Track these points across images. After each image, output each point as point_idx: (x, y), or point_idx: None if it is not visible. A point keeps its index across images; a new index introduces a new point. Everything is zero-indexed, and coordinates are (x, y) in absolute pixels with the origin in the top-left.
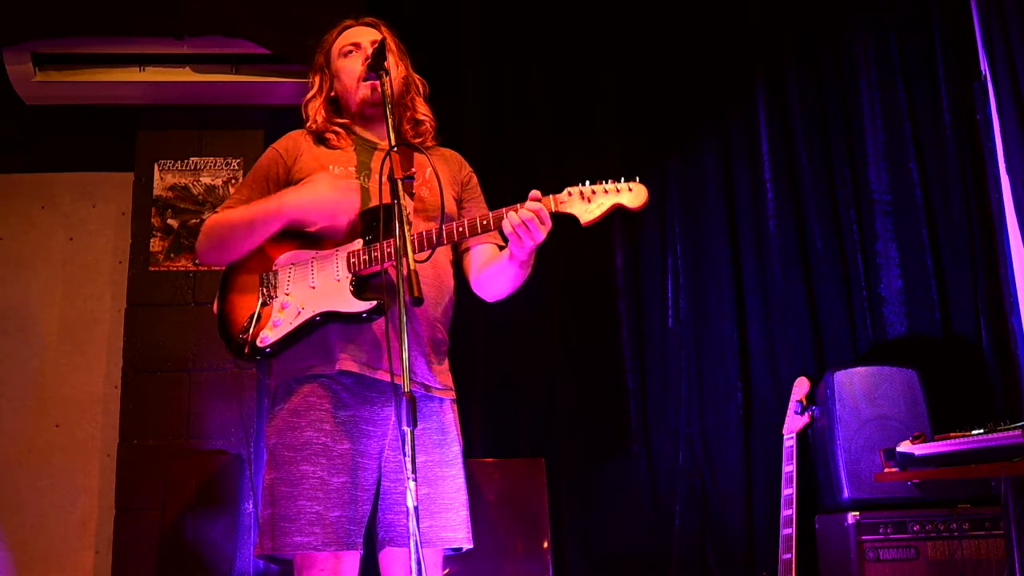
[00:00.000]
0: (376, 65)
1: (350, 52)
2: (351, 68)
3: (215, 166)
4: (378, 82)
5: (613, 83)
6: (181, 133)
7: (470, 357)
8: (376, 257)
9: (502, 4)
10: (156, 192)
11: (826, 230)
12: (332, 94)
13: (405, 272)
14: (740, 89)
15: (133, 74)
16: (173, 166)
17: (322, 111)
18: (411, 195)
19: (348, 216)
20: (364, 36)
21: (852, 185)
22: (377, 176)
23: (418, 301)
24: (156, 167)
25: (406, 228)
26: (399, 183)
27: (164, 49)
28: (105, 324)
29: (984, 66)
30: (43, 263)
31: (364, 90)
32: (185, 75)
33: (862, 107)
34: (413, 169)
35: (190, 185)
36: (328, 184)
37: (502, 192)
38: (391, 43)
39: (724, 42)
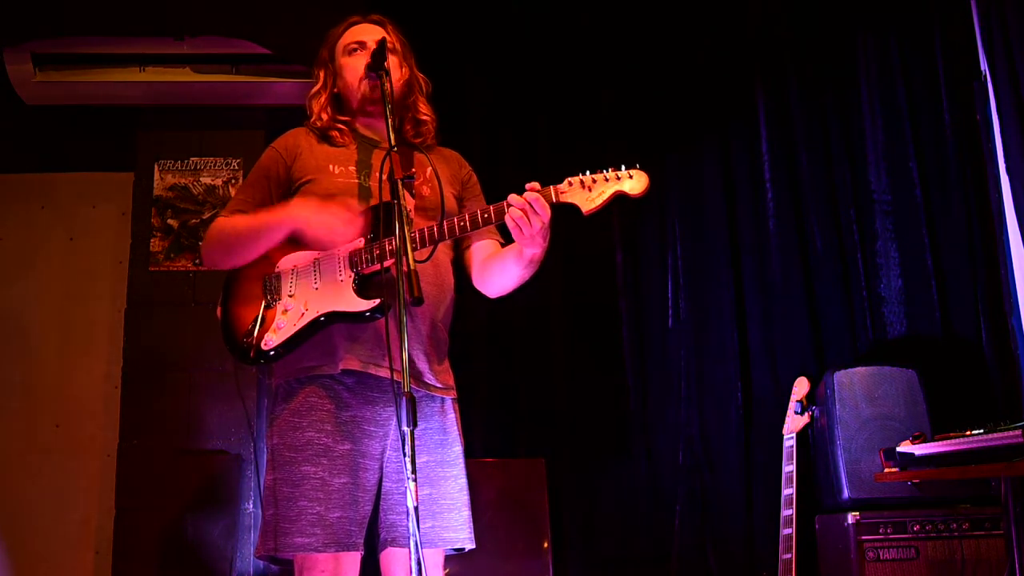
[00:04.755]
0: (376, 65)
1: (355, 50)
2: (355, 66)
3: (215, 166)
4: (379, 81)
5: (614, 83)
6: (181, 133)
7: (471, 357)
8: (378, 255)
9: (506, 4)
10: (156, 192)
11: (826, 230)
12: (335, 90)
13: (405, 271)
14: (740, 89)
15: (133, 74)
16: (173, 166)
17: (328, 108)
18: (412, 194)
19: (343, 244)
20: (369, 34)
21: (852, 185)
22: (378, 174)
23: (418, 301)
24: (156, 167)
25: (406, 226)
26: (399, 183)
27: (164, 49)
28: (105, 324)
29: (984, 66)
30: (43, 263)
31: (365, 88)
32: (185, 75)
33: (862, 107)
34: (413, 169)
35: (190, 185)
36: (337, 214)
37: (502, 192)
38: (396, 43)
39: (724, 42)
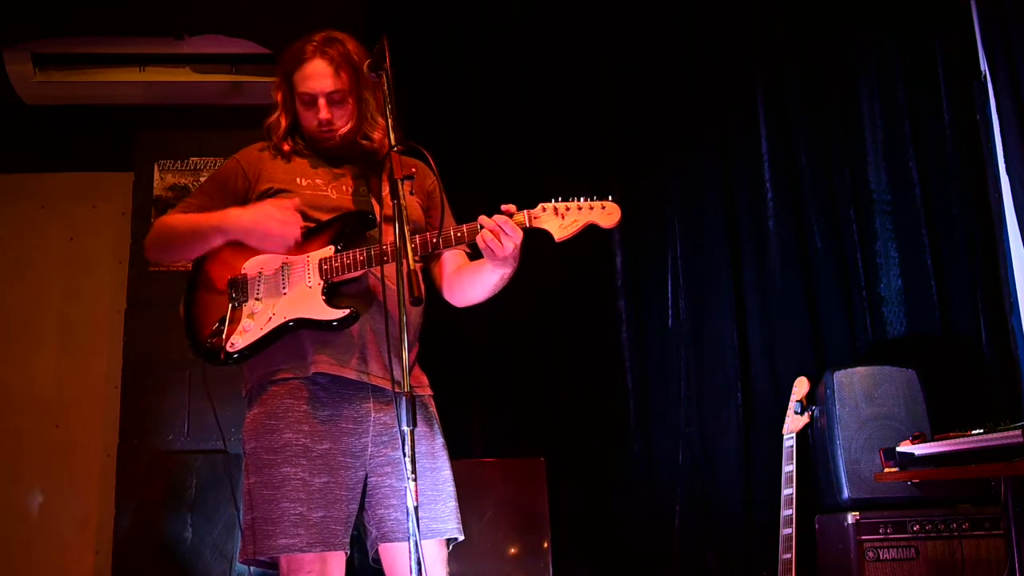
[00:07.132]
0: (376, 65)
1: (308, 102)
2: (309, 116)
3: (215, 166)
4: (334, 132)
5: (614, 82)
6: (181, 133)
7: (470, 357)
8: (349, 264)
9: (503, 7)
10: (156, 192)
11: (826, 230)
12: (294, 118)
13: (405, 271)
14: (740, 89)
15: (133, 74)
16: (173, 166)
17: (288, 139)
18: (380, 203)
19: (280, 248)
20: (320, 82)
21: (852, 185)
22: (346, 186)
23: (418, 300)
24: (156, 167)
25: (379, 235)
26: (399, 182)
27: (164, 49)
28: (105, 324)
29: (984, 66)
30: (43, 263)
31: (319, 136)
32: (185, 75)
33: (862, 107)
34: (413, 169)
35: (190, 185)
36: (272, 214)
37: (502, 190)
38: (345, 81)
39: (724, 42)
